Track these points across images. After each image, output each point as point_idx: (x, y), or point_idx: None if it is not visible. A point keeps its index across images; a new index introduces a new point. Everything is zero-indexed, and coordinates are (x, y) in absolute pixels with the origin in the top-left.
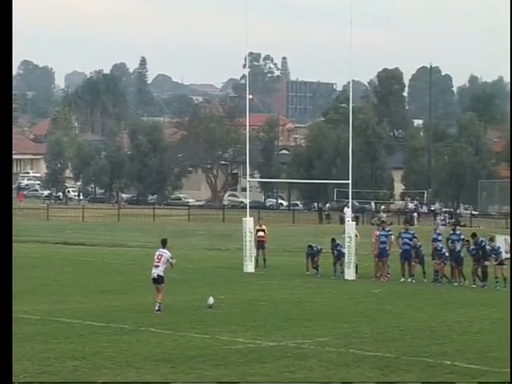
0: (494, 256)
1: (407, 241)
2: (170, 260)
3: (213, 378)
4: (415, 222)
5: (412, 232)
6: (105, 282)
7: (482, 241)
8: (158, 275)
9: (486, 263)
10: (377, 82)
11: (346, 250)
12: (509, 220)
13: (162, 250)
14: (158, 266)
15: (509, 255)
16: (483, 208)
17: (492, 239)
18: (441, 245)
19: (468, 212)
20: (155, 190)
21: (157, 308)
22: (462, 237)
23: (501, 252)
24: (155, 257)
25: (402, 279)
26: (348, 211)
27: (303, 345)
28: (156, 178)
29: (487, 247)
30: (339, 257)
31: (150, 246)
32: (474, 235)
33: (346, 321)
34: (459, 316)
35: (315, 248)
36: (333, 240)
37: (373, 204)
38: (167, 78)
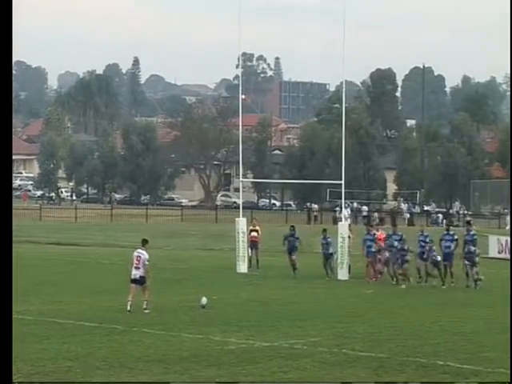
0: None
1: (395, 243)
2: (146, 263)
3: (206, 378)
4: (411, 223)
5: (400, 234)
6: (98, 283)
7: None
8: (140, 276)
9: (467, 263)
10: (370, 83)
11: (338, 250)
12: (501, 220)
13: (140, 250)
14: (139, 268)
15: (501, 255)
16: (476, 208)
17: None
18: (427, 247)
19: (461, 212)
20: (148, 190)
21: (144, 306)
22: (456, 237)
23: (478, 254)
24: (134, 258)
25: (394, 281)
26: (345, 211)
27: (296, 345)
28: (149, 179)
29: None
30: (327, 255)
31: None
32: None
33: (339, 321)
34: (452, 316)
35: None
36: (324, 230)
37: (356, 204)
38: (160, 78)
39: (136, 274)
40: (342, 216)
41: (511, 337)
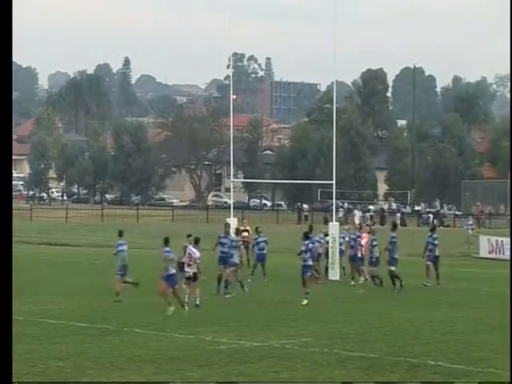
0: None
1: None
2: (198, 261)
3: (197, 378)
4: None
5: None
6: (88, 283)
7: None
8: (193, 273)
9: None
10: (361, 83)
11: (329, 250)
12: (492, 221)
13: (191, 248)
14: (191, 265)
15: (492, 255)
16: (466, 208)
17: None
18: (375, 250)
19: (451, 212)
20: (139, 190)
21: (197, 302)
22: (436, 242)
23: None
24: (186, 255)
25: (352, 282)
26: (358, 213)
27: (287, 345)
28: (140, 179)
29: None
30: (261, 256)
31: (134, 247)
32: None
33: (330, 321)
34: (443, 316)
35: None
36: (256, 228)
37: (346, 204)
38: (151, 78)
39: (189, 271)
40: (358, 218)
41: (511, 337)
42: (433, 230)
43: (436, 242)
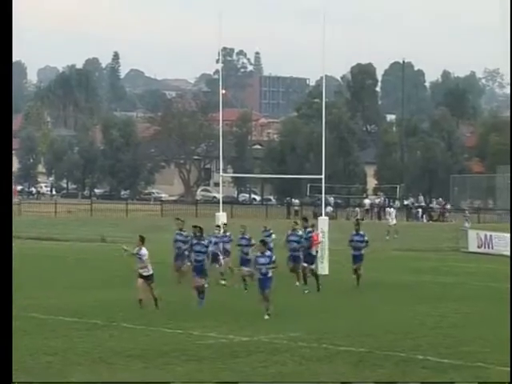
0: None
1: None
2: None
3: (185, 373)
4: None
5: (300, 234)
6: (77, 278)
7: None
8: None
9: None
10: (350, 77)
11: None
12: (481, 215)
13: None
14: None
15: (481, 250)
16: (455, 203)
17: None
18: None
19: (440, 207)
20: (128, 185)
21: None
22: (366, 238)
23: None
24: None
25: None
26: (393, 212)
27: (276, 340)
28: (129, 173)
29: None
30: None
31: (123, 241)
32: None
33: (319, 316)
34: (432, 310)
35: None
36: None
37: (332, 198)
38: (140, 72)
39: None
40: (393, 216)
41: (511, 335)
42: (358, 225)
43: (365, 239)
